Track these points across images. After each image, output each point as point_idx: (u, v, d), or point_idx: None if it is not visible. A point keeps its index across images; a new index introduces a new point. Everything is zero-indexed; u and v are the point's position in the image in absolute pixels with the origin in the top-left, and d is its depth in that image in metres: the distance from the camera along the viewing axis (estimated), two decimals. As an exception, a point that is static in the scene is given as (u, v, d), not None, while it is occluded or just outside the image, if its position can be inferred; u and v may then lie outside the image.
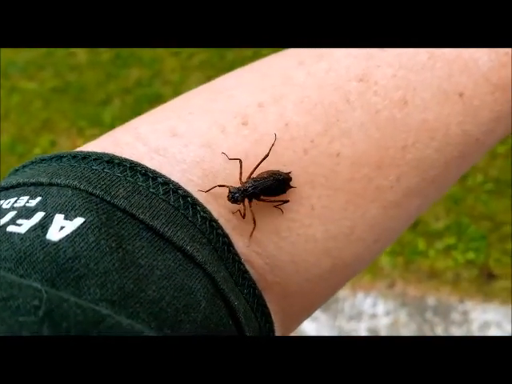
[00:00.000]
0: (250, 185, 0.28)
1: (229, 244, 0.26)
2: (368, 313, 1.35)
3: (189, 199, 0.26)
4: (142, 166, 0.26)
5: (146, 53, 2.04)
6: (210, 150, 0.27)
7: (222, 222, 0.27)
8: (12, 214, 0.23)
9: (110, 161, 0.26)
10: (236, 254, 0.26)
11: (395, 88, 0.28)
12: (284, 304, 0.28)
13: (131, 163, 0.26)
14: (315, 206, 0.28)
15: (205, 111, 0.28)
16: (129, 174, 0.25)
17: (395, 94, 0.28)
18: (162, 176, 0.26)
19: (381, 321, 1.34)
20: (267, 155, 0.27)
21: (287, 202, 0.28)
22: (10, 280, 0.19)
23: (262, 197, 0.28)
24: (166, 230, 0.24)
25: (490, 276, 1.38)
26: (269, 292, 0.28)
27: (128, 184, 0.25)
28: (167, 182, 0.26)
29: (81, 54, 2.10)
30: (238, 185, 0.27)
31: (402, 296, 1.38)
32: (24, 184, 0.25)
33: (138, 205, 0.24)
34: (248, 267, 0.27)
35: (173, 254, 0.24)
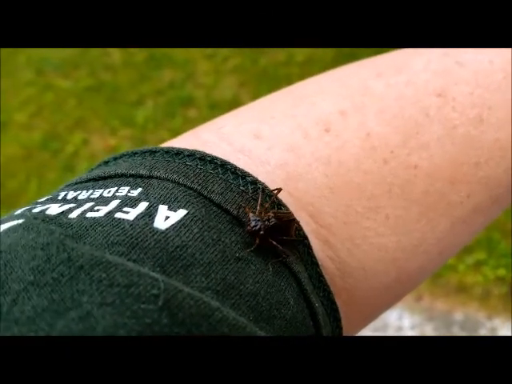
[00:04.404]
0: (272, 218, 0.25)
1: (309, 246, 0.27)
2: (394, 325, 1.34)
3: (275, 199, 0.26)
4: (232, 165, 0.26)
5: (180, 54, 2.06)
6: (293, 153, 0.27)
7: (301, 223, 0.27)
8: (116, 202, 0.23)
9: (202, 158, 0.26)
10: (314, 257, 0.27)
11: (471, 105, 0.29)
12: (347, 311, 0.29)
13: (222, 161, 0.26)
14: (390, 215, 0.28)
15: (287, 116, 0.29)
16: (220, 172, 0.26)
17: (471, 112, 0.29)
18: (250, 175, 0.26)
19: (406, 334, 1.32)
20: (281, 189, 0.26)
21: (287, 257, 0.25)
22: (128, 267, 0.19)
23: (270, 238, 0.25)
24: None
25: (521, 294, 1.35)
26: (337, 297, 0.28)
27: (220, 181, 0.26)
28: (255, 181, 0.26)
29: (115, 54, 2.13)
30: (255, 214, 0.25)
31: (429, 310, 1.35)
32: (122, 175, 0.26)
33: (231, 201, 0.25)
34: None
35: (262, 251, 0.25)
